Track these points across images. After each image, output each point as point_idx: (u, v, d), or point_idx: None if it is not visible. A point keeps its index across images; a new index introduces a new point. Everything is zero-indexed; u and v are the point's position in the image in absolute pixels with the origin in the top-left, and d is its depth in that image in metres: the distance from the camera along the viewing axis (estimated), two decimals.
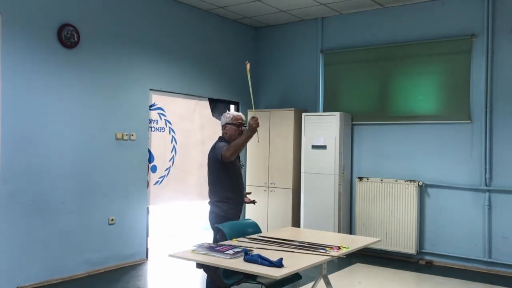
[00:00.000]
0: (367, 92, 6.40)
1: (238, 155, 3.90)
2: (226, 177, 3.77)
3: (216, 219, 3.76)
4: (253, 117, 3.51)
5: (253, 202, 4.14)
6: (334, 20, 6.71)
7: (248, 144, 7.14)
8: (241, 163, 4.08)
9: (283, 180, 6.77)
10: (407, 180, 5.89)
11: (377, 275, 5.29)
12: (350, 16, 6.55)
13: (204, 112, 6.62)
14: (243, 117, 3.94)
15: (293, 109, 6.75)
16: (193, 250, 3.02)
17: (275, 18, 6.90)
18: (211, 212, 3.83)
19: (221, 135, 3.95)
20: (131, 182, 5.56)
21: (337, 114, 6.22)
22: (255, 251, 2.96)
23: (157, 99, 5.95)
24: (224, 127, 3.89)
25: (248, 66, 3.87)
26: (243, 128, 3.83)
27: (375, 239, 3.72)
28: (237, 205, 3.85)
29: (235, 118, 3.88)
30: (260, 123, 4.00)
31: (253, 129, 3.51)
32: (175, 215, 7.52)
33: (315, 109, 6.82)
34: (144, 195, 5.72)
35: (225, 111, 4.17)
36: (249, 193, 4.18)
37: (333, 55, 6.71)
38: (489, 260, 5.43)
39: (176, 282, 5.03)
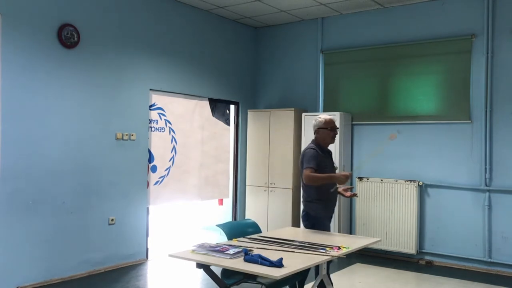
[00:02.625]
0: (367, 92, 6.40)
1: (331, 155, 3.98)
2: None
3: (307, 218, 3.87)
4: (347, 176, 3.60)
5: (355, 195, 4.05)
6: (334, 20, 6.71)
7: (248, 144, 7.17)
8: (333, 165, 4.03)
9: (283, 180, 6.77)
10: (407, 180, 5.89)
11: (377, 275, 5.29)
12: (350, 16, 6.55)
13: (204, 112, 6.62)
14: (335, 120, 3.97)
15: (293, 109, 6.75)
16: (193, 250, 3.02)
17: (275, 18, 6.90)
18: (303, 211, 3.94)
19: (313, 138, 3.96)
20: (131, 182, 5.56)
21: (337, 114, 6.22)
22: (255, 251, 2.96)
23: (157, 99, 5.95)
24: (316, 131, 3.91)
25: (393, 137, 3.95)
26: (337, 131, 3.92)
27: (375, 239, 3.72)
28: (326, 205, 3.87)
29: (327, 122, 3.88)
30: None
31: (339, 182, 3.66)
32: (175, 215, 7.52)
33: (315, 109, 6.82)
34: (144, 195, 5.72)
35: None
36: (350, 188, 4.09)
37: (333, 55, 6.71)
38: (489, 260, 5.43)
39: (176, 282, 5.03)
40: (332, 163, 4.02)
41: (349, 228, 6.43)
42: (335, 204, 3.99)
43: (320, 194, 3.81)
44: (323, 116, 3.95)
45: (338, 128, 3.98)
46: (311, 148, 3.84)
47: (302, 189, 3.96)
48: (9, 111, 4.45)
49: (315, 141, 3.93)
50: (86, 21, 5.08)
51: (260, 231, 3.83)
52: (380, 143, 6.22)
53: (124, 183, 5.47)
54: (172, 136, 6.15)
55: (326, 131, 3.87)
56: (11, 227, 4.46)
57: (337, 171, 4.09)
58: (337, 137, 6.09)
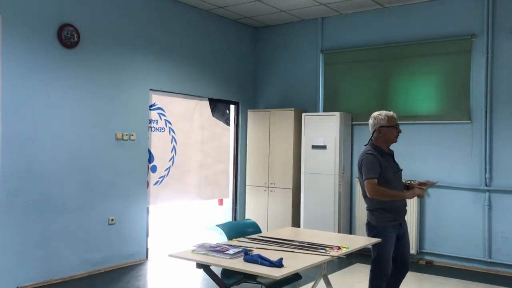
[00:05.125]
0: (367, 92, 6.40)
1: (393, 157, 3.63)
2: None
3: (368, 228, 3.54)
4: (423, 189, 3.38)
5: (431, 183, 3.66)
6: (334, 20, 6.71)
7: (248, 144, 7.17)
8: (398, 168, 3.60)
9: (283, 180, 6.77)
10: (407, 180, 5.86)
11: None
12: (350, 16, 6.55)
13: (204, 112, 6.62)
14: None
15: (293, 109, 6.75)
16: (193, 250, 3.02)
17: (275, 18, 6.90)
18: (366, 220, 3.59)
19: (371, 139, 3.58)
20: (131, 182, 5.56)
21: (337, 114, 6.22)
22: (255, 251, 2.96)
23: (157, 99, 5.95)
24: (378, 130, 3.49)
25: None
26: (400, 129, 3.55)
27: (375, 239, 3.72)
28: (390, 214, 3.46)
29: (390, 119, 3.50)
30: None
31: (414, 196, 3.40)
32: (175, 215, 7.52)
33: (315, 109, 6.82)
34: (144, 195, 5.72)
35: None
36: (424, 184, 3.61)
37: (333, 55, 6.71)
38: (489, 260, 5.43)
39: (176, 282, 5.03)
40: (396, 165, 3.60)
41: (349, 228, 6.43)
42: (403, 212, 3.56)
43: (383, 203, 3.43)
44: (384, 113, 3.52)
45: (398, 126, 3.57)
46: (369, 154, 3.43)
47: (363, 197, 3.56)
48: (9, 111, 4.45)
49: (373, 143, 3.52)
50: (86, 21, 5.08)
51: (260, 231, 3.82)
52: None
53: (124, 183, 5.47)
54: (172, 136, 6.15)
55: (389, 130, 3.48)
56: (11, 227, 4.46)
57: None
58: (337, 137, 6.20)
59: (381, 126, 3.49)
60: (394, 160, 3.63)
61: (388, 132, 3.50)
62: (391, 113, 3.56)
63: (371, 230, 3.51)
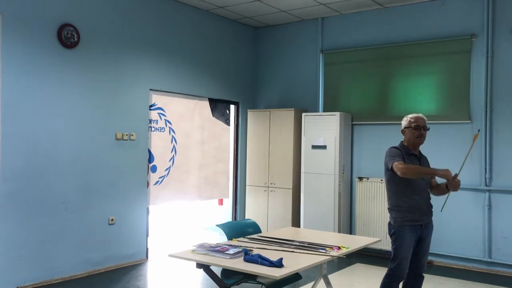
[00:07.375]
0: (367, 92, 6.40)
1: (419, 159, 3.60)
2: (396, 183, 3.46)
3: (388, 227, 3.53)
4: (455, 179, 3.32)
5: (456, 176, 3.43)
6: (334, 20, 6.71)
7: (248, 144, 7.17)
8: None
9: (283, 180, 6.77)
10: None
11: (377, 275, 5.28)
12: (350, 16, 6.56)
13: (204, 112, 6.62)
14: (423, 118, 3.56)
15: (293, 109, 6.75)
16: (193, 250, 3.02)
17: (275, 18, 6.91)
18: (389, 218, 3.59)
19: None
20: (131, 182, 5.56)
21: (337, 114, 6.22)
22: (255, 251, 2.96)
23: (157, 99, 5.95)
24: (402, 131, 3.61)
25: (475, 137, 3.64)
26: (426, 131, 3.54)
27: (375, 239, 3.73)
28: (410, 213, 3.42)
29: (411, 120, 3.54)
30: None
31: (444, 177, 3.31)
32: (175, 215, 7.53)
33: (315, 109, 6.82)
34: (144, 195, 5.72)
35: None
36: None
37: (333, 55, 6.71)
38: (489, 260, 5.43)
39: (176, 282, 5.03)
40: (419, 163, 3.58)
41: (349, 228, 6.43)
42: (424, 212, 3.50)
43: (400, 201, 3.44)
44: (410, 115, 3.60)
45: (426, 127, 3.54)
46: (393, 147, 3.57)
47: (387, 196, 3.59)
48: (9, 111, 4.45)
49: (401, 142, 3.64)
50: (86, 21, 5.09)
51: (260, 231, 3.83)
52: (380, 143, 6.22)
53: (124, 183, 5.47)
54: (172, 136, 6.15)
55: (410, 130, 3.52)
56: (11, 227, 4.46)
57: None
58: (337, 137, 6.19)
59: (404, 127, 3.62)
60: (419, 163, 3.58)
61: (409, 133, 3.56)
62: (416, 115, 3.60)
63: (390, 229, 3.50)
